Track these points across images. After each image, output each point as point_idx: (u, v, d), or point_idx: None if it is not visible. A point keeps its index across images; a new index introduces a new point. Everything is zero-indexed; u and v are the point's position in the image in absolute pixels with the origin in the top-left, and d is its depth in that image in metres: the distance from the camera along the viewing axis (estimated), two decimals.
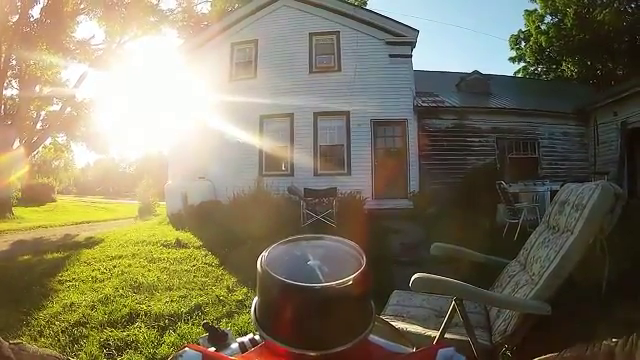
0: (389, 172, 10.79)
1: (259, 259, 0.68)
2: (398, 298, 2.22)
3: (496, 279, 2.27)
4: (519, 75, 23.15)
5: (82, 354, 2.76)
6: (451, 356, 0.63)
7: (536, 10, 21.98)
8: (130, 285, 4.24)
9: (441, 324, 1.67)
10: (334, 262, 0.70)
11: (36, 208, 18.47)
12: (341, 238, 0.77)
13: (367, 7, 18.00)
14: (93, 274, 4.78)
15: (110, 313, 3.45)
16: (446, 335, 1.63)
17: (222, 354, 0.73)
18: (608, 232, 1.65)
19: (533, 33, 22.22)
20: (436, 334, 1.66)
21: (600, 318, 2.56)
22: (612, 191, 1.64)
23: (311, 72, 11.59)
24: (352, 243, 0.75)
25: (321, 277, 0.65)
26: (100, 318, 3.34)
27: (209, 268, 5.02)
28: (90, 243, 7.01)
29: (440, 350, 0.64)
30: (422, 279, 1.59)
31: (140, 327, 3.19)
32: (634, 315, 2.56)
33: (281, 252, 0.73)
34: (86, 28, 33.60)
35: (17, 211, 15.33)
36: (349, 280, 0.63)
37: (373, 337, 0.73)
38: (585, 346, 0.57)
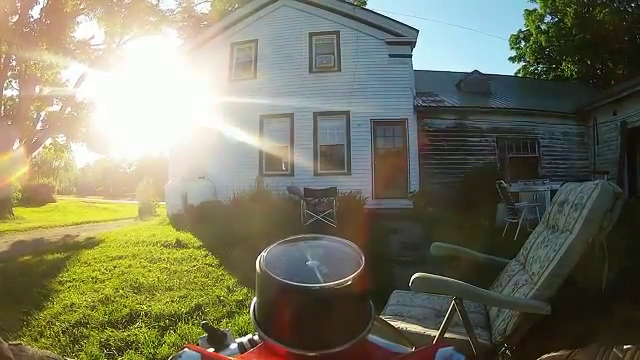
0: (389, 172, 10.80)
1: (258, 259, 0.68)
2: (398, 298, 2.22)
3: (496, 279, 2.27)
4: (519, 75, 23.15)
5: (82, 354, 2.76)
6: (450, 355, 0.63)
7: (536, 10, 22.01)
8: (130, 285, 4.24)
9: (441, 324, 1.67)
10: (333, 262, 0.70)
11: (36, 208, 18.47)
12: (340, 238, 0.78)
13: (367, 7, 18.02)
14: (93, 274, 4.78)
15: (110, 313, 3.45)
16: (446, 335, 1.63)
17: (221, 354, 0.73)
18: (607, 231, 1.65)
19: (533, 33, 22.23)
20: (436, 334, 1.66)
21: (600, 317, 2.56)
22: (611, 190, 1.64)
23: (311, 72, 11.59)
24: (351, 243, 0.75)
25: (320, 277, 0.65)
26: (100, 318, 3.34)
27: (209, 268, 5.02)
28: (90, 243, 7.01)
29: (439, 349, 0.64)
30: (422, 279, 1.59)
31: (140, 327, 3.19)
32: (634, 314, 2.56)
33: (280, 252, 0.73)
34: (86, 28, 33.56)
35: (17, 211, 15.33)
36: (348, 280, 0.63)
37: (372, 337, 0.73)
38: (596, 350, 0.57)
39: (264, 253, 0.70)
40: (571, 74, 21.49)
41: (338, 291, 0.62)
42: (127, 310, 3.52)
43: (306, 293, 0.61)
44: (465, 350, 1.48)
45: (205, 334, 0.82)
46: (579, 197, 1.76)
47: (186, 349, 0.62)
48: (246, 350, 0.77)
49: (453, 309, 1.59)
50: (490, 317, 1.96)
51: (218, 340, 0.81)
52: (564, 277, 1.64)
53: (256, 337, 0.79)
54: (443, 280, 1.63)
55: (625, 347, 0.56)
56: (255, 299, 0.71)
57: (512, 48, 23.98)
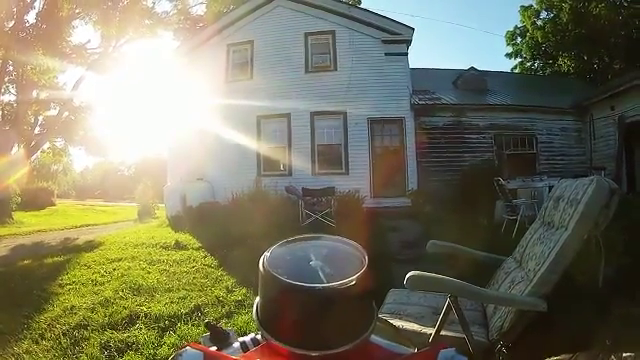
0: (387, 171, 10.79)
1: (261, 259, 0.68)
2: (394, 296, 2.22)
3: (492, 276, 2.27)
4: (516, 71, 23.17)
5: (83, 356, 2.78)
6: (452, 357, 0.64)
7: (532, 5, 22.01)
8: (130, 287, 4.25)
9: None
10: (336, 262, 0.70)
11: (36, 212, 18.39)
12: (343, 238, 0.78)
13: (362, 6, 18.01)
14: (93, 277, 4.79)
15: (110, 315, 3.46)
16: (443, 332, 1.64)
17: (223, 353, 0.74)
18: (603, 227, 1.65)
19: (529, 29, 22.24)
20: (432, 331, 1.67)
21: (597, 314, 2.57)
22: (607, 186, 1.63)
23: (307, 72, 11.58)
24: (354, 243, 0.76)
25: (323, 278, 0.65)
26: (100, 320, 3.36)
27: (208, 269, 5.03)
28: (90, 246, 7.00)
29: (441, 351, 0.64)
30: (417, 277, 1.59)
31: (140, 328, 3.20)
32: (632, 311, 2.57)
33: (283, 252, 0.73)
34: (82, 32, 33.35)
35: (17, 215, 15.27)
36: (351, 281, 0.63)
37: (374, 337, 0.73)
38: (595, 356, 0.58)
39: (267, 253, 0.71)
40: (568, 69, 21.48)
41: (341, 291, 0.62)
42: (127, 312, 3.53)
43: (309, 293, 0.62)
44: (462, 347, 1.49)
45: (208, 333, 0.83)
46: (574, 193, 1.77)
47: (188, 347, 0.63)
48: (249, 349, 0.78)
49: (449, 307, 1.59)
50: (487, 314, 1.97)
51: (221, 339, 0.81)
52: (560, 274, 1.64)
53: (259, 336, 0.79)
54: (438, 278, 1.63)
55: (625, 355, 0.57)
56: (258, 298, 0.71)
57: (508, 44, 23.97)
